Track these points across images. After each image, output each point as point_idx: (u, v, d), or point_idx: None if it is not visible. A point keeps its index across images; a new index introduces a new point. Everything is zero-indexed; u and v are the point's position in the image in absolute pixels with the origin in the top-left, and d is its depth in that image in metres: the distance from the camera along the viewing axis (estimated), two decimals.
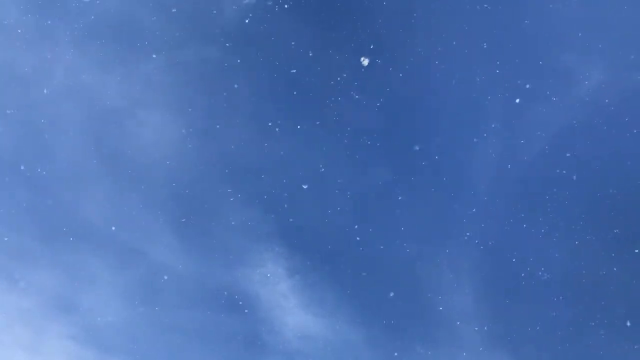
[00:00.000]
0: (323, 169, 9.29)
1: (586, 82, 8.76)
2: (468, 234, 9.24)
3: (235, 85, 9.09)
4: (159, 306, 9.52)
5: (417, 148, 9.16)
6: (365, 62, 7.15)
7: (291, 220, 9.41)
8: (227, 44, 9.01)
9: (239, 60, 9.03)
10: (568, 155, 8.95)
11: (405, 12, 8.92)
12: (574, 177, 8.96)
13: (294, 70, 9.03)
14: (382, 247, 9.39)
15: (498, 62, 8.84)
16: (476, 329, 9.32)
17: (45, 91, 8.94)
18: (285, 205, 9.33)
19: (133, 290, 9.49)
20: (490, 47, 8.86)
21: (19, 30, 8.80)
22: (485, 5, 8.79)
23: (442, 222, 9.30)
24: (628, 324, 8.99)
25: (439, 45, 8.93)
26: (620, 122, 8.82)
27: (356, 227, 9.36)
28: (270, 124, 9.13)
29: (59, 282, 9.39)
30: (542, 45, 8.81)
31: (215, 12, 8.94)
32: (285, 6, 8.93)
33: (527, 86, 8.88)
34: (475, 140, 9.08)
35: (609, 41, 8.69)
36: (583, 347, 9.13)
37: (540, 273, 9.20)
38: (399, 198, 9.28)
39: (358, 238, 9.36)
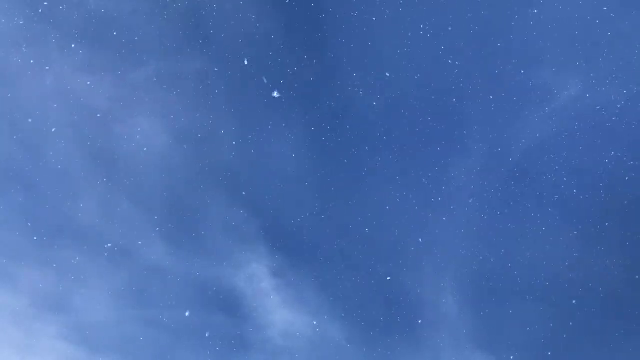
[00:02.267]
0: (307, 172, 9.48)
1: (563, 95, 9.04)
2: (452, 235, 9.45)
3: (222, 91, 9.28)
4: (148, 306, 9.62)
5: (402, 153, 9.37)
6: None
7: (275, 221, 9.58)
8: (217, 52, 9.19)
9: (226, 68, 9.22)
10: (549, 163, 9.21)
11: (391, 26, 9.14)
12: (556, 184, 9.21)
13: (281, 77, 9.20)
14: (365, 247, 9.57)
15: (480, 76, 9.12)
16: (458, 328, 9.47)
17: (37, 94, 9.04)
18: (269, 207, 9.52)
19: (122, 290, 9.60)
20: (474, 62, 9.14)
21: (11, 33, 8.88)
22: (471, 23, 9.06)
23: (426, 224, 9.47)
24: (613, 322, 9.19)
25: (422, 58, 9.18)
26: (597, 132, 9.08)
27: (338, 226, 9.53)
28: (256, 129, 9.33)
29: (50, 282, 9.43)
30: (522, 60, 9.04)
31: (206, 20, 9.12)
32: (275, 14, 9.15)
33: (510, 99, 9.13)
34: (458, 147, 9.33)
35: (586, 57, 8.95)
36: (571, 348, 9.29)
37: (524, 276, 9.38)
38: (384, 200, 9.45)
39: (340, 238, 9.57)
